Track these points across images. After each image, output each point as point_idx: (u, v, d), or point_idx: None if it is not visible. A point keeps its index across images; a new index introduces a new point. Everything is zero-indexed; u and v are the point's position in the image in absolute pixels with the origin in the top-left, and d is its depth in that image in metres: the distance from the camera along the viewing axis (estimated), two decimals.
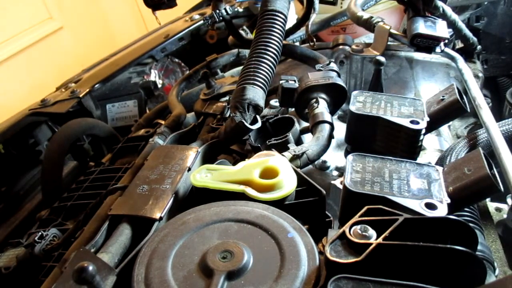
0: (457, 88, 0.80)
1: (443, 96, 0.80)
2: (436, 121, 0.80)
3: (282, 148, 0.83)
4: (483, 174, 0.58)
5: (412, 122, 0.73)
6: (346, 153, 0.93)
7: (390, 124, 0.74)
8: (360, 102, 0.79)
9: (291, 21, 1.45)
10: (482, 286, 0.44)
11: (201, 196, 0.64)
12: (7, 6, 2.83)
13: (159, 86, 1.65)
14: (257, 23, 0.93)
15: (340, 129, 1.06)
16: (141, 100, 1.53)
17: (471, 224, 0.59)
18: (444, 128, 1.06)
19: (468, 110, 0.79)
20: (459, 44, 1.31)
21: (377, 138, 0.78)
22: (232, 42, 1.24)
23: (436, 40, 1.00)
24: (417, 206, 0.55)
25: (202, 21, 1.69)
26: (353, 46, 1.13)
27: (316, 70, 0.97)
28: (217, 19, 1.10)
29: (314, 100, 0.90)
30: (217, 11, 1.09)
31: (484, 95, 0.97)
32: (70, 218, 0.92)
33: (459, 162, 0.63)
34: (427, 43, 1.01)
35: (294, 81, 0.93)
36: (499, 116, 1.21)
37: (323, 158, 0.92)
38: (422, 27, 1.00)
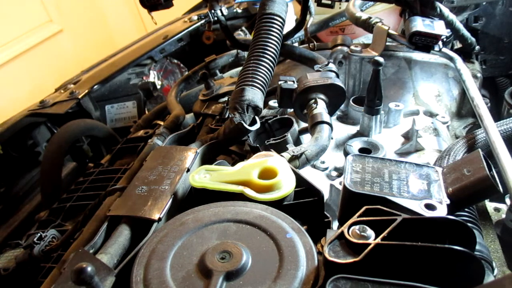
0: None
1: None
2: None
3: (280, 148, 0.84)
4: (483, 176, 0.57)
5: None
6: (345, 154, 0.93)
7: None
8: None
9: (291, 21, 1.45)
10: (481, 286, 0.44)
11: (200, 196, 0.64)
12: (7, 9, 2.83)
13: (158, 87, 1.65)
14: (255, 26, 0.94)
15: (339, 129, 1.07)
16: (140, 101, 1.53)
17: (469, 224, 0.59)
18: (442, 128, 1.06)
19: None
20: (458, 45, 1.31)
21: None
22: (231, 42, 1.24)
23: (434, 38, 1.00)
24: (417, 206, 0.55)
25: (201, 22, 1.69)
26: (352, 47, 1.13)
27: (314, 71, 0.98)
28: (211, 19, 1.10)
29: (313, 100, 0.90)
30: (213, 11, 1.10)
31: (483, 95, 0.97)
32: (69, 219, 0.92)
33: (459, 163, 0.62)
34: (426, 41, 1.01)
35: (293, 81, 0.94)
36: (497, 116, 1.21)
37: (321, 158, 0.92)
38: (420, 25, 1.00)
